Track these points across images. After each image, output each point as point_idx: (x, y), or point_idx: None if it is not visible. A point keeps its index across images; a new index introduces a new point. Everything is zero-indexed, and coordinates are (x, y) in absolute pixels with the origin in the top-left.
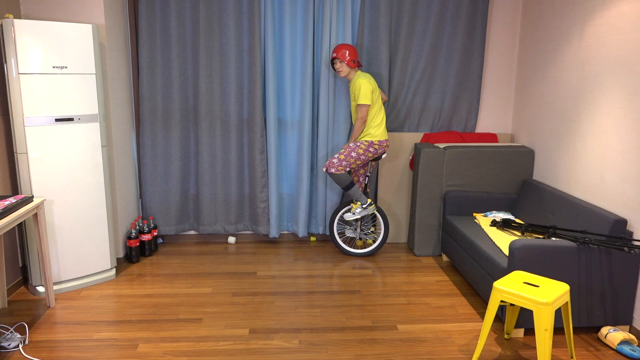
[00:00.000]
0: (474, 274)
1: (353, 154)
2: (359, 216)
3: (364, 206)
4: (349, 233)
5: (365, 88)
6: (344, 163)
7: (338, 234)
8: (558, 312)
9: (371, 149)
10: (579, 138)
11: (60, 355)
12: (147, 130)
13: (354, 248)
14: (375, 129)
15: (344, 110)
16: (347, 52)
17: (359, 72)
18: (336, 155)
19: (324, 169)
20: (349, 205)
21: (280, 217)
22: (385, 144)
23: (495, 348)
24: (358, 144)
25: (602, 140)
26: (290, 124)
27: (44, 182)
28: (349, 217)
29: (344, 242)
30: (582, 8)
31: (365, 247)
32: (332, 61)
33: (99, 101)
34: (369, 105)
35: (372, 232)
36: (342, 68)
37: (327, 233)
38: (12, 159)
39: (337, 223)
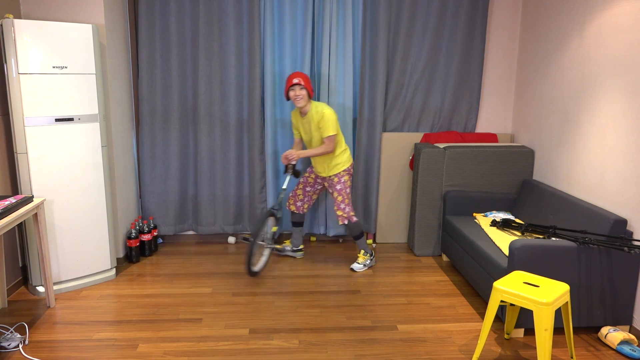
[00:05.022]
0: (474, 274)
1: (348, 190)
2: (367, 268)
3: (371, 257)
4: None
5: (332, 118)
6: (350, 204)
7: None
8: (558, 312)
9: (351, 173)
10: (579, 138)
11: (60, 355)
12: (146, 130)
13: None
14: (344, 155)
15: (342, 110)
16: (308, 80)
17: (313, 101)
18: (341, 204)
19: (345, 222)
20: (267, 219)
21: (280, 218)
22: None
23: (495, 348)
24: (342, 180)
25: (602, 140)
26: (289, 124)
27: (44, 182)
28: (358, 267)
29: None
30: (582, 8)
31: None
32: (291, 87)
33: (99, 101)
34: (336, 134)
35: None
36: (303, 94)
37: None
38: (12, 159)
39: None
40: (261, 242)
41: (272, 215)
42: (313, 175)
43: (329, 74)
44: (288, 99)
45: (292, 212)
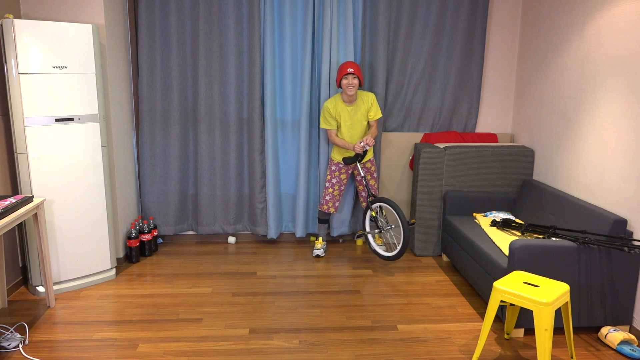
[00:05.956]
0: (474, 274)
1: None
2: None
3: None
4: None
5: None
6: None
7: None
8: (558, 312)
9: None
10: (579, 138)
11: (60, 355)
12: (146, 130)
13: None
14: None
15: None
16: (359, 69)
17: (358, 90)
18: (373, 188)
19: (373, 197)
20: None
21: (279, 218)
22: None
23: (495, 348)
24: (375, 165)
25: (602, 140)
26: (290, 124)
27: (44, 182)
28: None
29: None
30: (582, 8)
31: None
32: (344, 76)
33: (99, 101)
34: None
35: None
36: (355, 83)
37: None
38: (12, 159)
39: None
40: (382, 229)
41: (377, 202)
42: (344, 170)
43: (330, 74)
44: (339, 86)
45: (325, 212)
